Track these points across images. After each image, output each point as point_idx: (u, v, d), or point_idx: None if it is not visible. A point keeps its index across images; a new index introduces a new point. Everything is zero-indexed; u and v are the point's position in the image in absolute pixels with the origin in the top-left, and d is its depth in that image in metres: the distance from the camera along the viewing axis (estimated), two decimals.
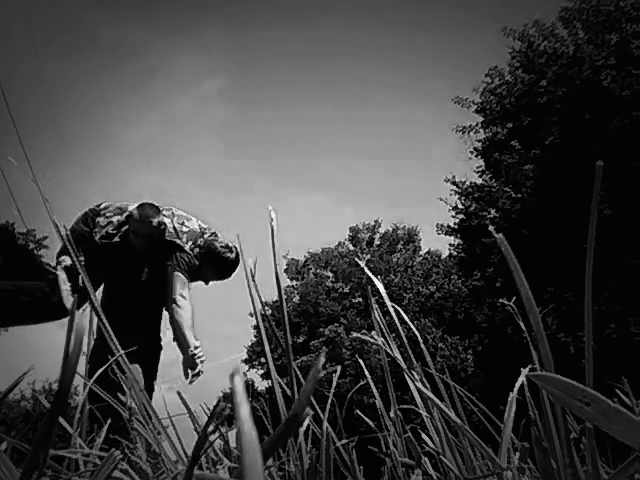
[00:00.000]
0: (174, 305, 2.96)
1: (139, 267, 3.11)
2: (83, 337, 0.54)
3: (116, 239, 2.99)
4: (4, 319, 2.96)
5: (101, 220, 3.02)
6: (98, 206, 3.09)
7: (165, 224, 3.09)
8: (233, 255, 3.19)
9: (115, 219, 3.02)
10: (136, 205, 3.04)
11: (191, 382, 2.97)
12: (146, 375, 3.04)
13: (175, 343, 3.18)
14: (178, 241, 3.08)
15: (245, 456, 0.32)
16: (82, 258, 2.90)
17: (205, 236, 3.19)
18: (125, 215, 3.04)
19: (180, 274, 3.03)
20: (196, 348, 2.96)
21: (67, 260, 2.80)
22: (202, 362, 2.99)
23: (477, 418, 1.14)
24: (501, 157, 14.27)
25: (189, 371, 2.98)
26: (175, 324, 2.98)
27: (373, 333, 1.08)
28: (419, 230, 29.53)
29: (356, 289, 26.85)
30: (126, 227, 3.02)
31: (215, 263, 3.18)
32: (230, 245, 3.22)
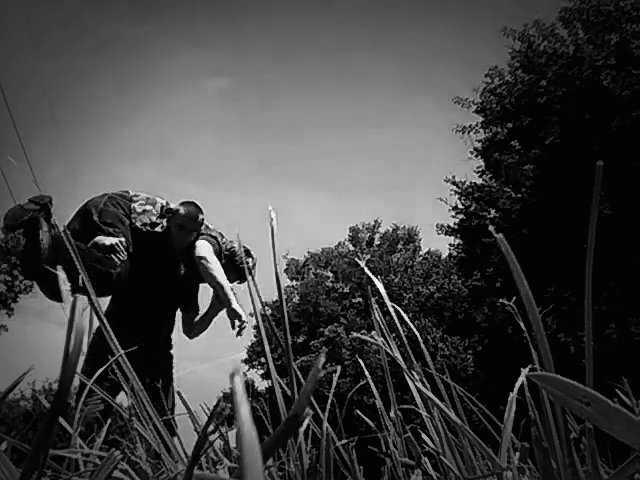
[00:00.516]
0: (203, 261, 2.98)
1: (173, 261, 3.14)
2: (83, 337, 0.54)
3: (158, 229, 3.03)
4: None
5: (137, 207, 3.04)
6: (127, 192, 3.10)
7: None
8: (253, 261, 3.26)
9: (149, 208, 3.06)
10: (179, 202, 3.11)
11: (239, 334, 3.02)
12: (164, 377, 3.06)
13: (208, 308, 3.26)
14: (211, 232, 3.16)
15: (245, 456, 0.32)
16: (123, 239, 2.88)
17: (225, 239, 3.27)
18: (160, 207, 3.08)
19: (207, 242, 3.08)
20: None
21: (105, 240, 2.78)
22: (245, 313, 3.05)
23: (477, 418, 1.14)
24: (501, 157, 14.26)
25: (236, 322, 3.02)
26: (210, 279, 3.00)
27: (373, 333, 1.09)
28: (419, 230, 29.54)
29: (356, 289, 26.85)
30: (165, 220, 3.06)
31: (237, 266, 3.25)
32: (250, 250, 3.28)
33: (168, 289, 3.17)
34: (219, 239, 3.18)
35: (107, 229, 2.87)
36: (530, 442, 0.83)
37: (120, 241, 2.83)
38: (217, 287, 3.02)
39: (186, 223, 3.04)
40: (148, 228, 3.01)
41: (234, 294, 3.03)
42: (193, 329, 3.28)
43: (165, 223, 3.07)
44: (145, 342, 2.95)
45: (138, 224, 2.99)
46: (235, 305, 2.99)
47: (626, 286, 12.16)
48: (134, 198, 3.07)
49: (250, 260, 3.26)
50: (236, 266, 3.25)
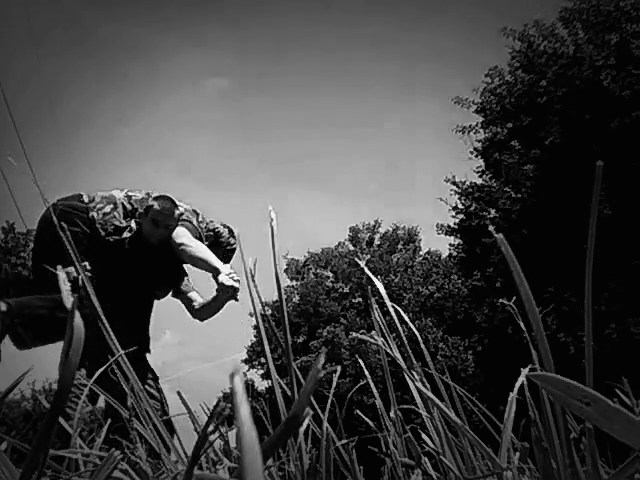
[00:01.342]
0: (182, 247, 2.82)
1: (149, 260, 2.97)
2: (82, 337, 0.54)
3: (126, 234, 2.86)
4: (43, 338, 2.76)
5: (95, 215, 2.82)
6: (80, 200, 2.87)
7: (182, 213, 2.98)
8: (235, 240, 3.14)
9: (109, 209, 2.86)
10: (153, 197, 2.94)
11: (236, 299, 2.85)
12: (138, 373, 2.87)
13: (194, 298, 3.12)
14: (187, 215, 3.01)
15: (245, 456, 0.32)
16: (86, 264, 2.65)
17: (200, 217, 3.10)
18: (121, 204, 2.89)
19: (183, 228, 2.92)
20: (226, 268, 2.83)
21: (71, 271, 2.55)
22: (237, 281, 2.82)
23: (477, 418, 1.14)
24: (501, 157, 14.26)
25: (228, 291, 2.82)
26: (194, 260, 2.84)
27: (373, 333, 1.09)
28: (419, 230, 29.56)
29: (356, 289, 26.86)
30: (133, 220, 2.89)
31: (219, 247, 3.10)
32: (232, 229, 3.16)
33: (147, 287, 3.03)
34: (194, 221, 3.02)
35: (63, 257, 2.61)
36: (530, 442, 0.83)
37: (68, 273, 2.53)
38: (204, 265, 2.83)
39: (161, 219, 2.87)
40: (115, 237, 2.82)
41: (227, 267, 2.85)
42: (199, 312, 3.12)
43: (134, 224, 2.88)
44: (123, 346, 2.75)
45: (102, 234, 2.80)
46: (223, 277, 2.78)
47: (626, 286, 12.17)
48: (90, 205, 2.85)
49: (233, 240, 3.14)
50: (222, 247, 3.11)
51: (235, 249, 3.19)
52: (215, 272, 2.80)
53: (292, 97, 49.89)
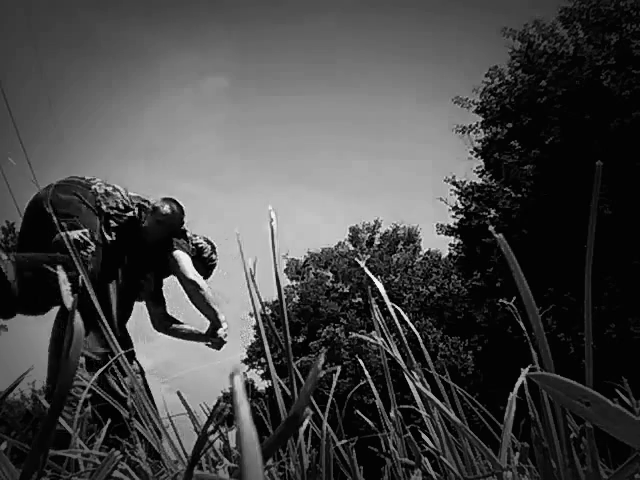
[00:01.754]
0: (194, 287, 2.84)
1: (142, 253, 2.91)
2: (82, 337, 0.54)
3: (130, 214, 2.78)
4: (33, 306, 2.58)
5: (97, 188, 2.75)
6: (81, 178, 2.80)
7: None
8: (216, 256, 3.20)
9: (110, 189, 2.79)
10: (161, 198, 2.90)
11: (216, 348, 3.04)
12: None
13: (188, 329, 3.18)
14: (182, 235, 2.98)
15: (245, 456, 0.32)
16: (86, 230, 2.59)
17: (189, 234, 3.07)
18: (119, 194, 2.82)
19: (186, 254, 2.91)
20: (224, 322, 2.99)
21: (74, 234, 2.47)
22: (226, 335, 3.03)
23: (477, 418, 1.14)
24: (501, 157, 14.26)
25: (217, 338, 3.00)
26: (202, 304, 2.89)
27: (373, 333, 1.08)
28: (419, 230, 29.57)
29: (356, 289, 26.86)
30: (138, 210, 2.84)
31: (201, 263, 3.11)
32: (214, 245, 3.20)
33: (134, 282, 2.96)
34: (187, 239, 3.02)
35: (63, 221, 2.48)
36: (530, 442, 0.83)
37: (84, 232, 2.54)
38: (210, 314, 2.93)
39: (167, 221, 2.84)
40: (116, 212, 2.74)
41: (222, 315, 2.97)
42: (167, 330, 3.14)
43: (137, 211, 2.82)
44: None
45: (104, 207, 2.70)
46: (222, 332, 2.95)
47: (626, 286, 12.17)
48: (91, 181, 2.77)
49: (214, 256, 3.17)
50: (204, 263, 3.14)
51: (216, 265, 3.24)
52: (218, 324, 2.97)
53: (292, 96, 49.93)
